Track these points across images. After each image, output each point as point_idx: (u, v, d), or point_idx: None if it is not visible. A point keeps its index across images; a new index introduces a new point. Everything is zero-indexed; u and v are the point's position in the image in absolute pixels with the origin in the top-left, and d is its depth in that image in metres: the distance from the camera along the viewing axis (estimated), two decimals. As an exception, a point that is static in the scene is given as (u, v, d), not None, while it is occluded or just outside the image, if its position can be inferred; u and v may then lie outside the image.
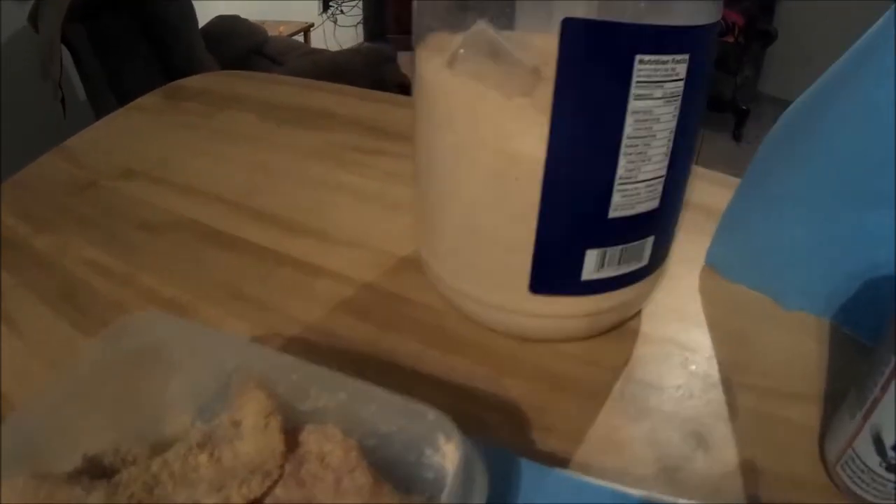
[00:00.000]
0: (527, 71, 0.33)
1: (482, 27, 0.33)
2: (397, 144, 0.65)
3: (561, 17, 0.30)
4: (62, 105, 1.56)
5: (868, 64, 0.39)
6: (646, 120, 0.33)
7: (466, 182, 0.37)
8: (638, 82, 0.31)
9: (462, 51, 0.34)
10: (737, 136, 3.08)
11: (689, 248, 0.51)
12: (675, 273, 0.48)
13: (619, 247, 0.37)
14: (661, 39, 0.31)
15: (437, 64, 0.36)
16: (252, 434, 0.28)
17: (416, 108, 0.39)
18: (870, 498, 0.33)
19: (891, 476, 0.31)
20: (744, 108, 3.00)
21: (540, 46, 0.32)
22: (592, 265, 0.37)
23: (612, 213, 0.35)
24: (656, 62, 0.31)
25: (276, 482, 0.28)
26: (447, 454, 0.26)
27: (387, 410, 0.27)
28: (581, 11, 0.30)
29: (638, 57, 0.31)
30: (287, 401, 0.29)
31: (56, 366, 0.42)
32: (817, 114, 0.42)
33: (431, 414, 0.26)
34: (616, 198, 0.35)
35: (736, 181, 0.49)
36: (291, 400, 0.29)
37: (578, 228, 0.36)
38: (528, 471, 0.34)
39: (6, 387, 0.40)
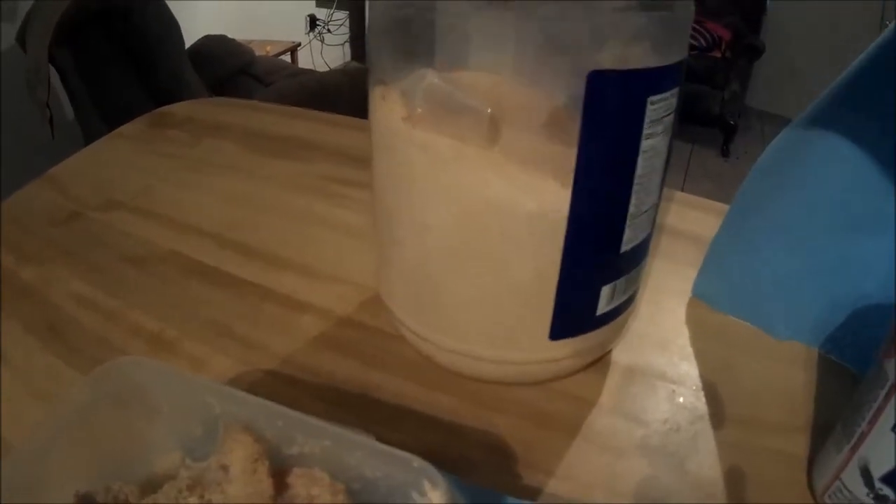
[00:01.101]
0: (486, 120, 0.33)
1: (428, 78, 0.33)
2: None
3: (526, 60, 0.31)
4: (50, 125, 1.55)
5: (857, 96, 0.40)
6: (652, 156, 0.34)
7: (447, 238, 0.37)
8: (649, 122, 0.33)
9: (419, 110, 0.34)
10: (724, 152, 3.11)
11: (676, 279, 0.51)
12: (662, 305, 0.49)
13: (625, 277, 0.38)
14: (663, 78, 0.33)
15: (397, 118, 0.36)
16: (240, 477, 0.29)
17: (377, 162, 0.40)
18: None
19: None
20: (731, 122, 3.02)
21: (489, 89, 0.33)
22: (605, 300, 0.38)
23: (624, 248, 0.36)
24: (661, 100, 0.33)
25: (264, 525, 0.28)
26: (433, 499, 0.26)
27: (372, 457, 0.27)
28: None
29: (649, 98, 0.32)
30: (274, 445, 0.29)
31: (44, 399, 0.42)
32: (805, 144, 0.43)
33: (416, 462, 0.26)
34: (627, 233, 0.36)
35: (716, 205, 0.50)
36: (278, 444, 0.29)
37: (598, 269, 0.37)
38: None
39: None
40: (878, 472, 0.31)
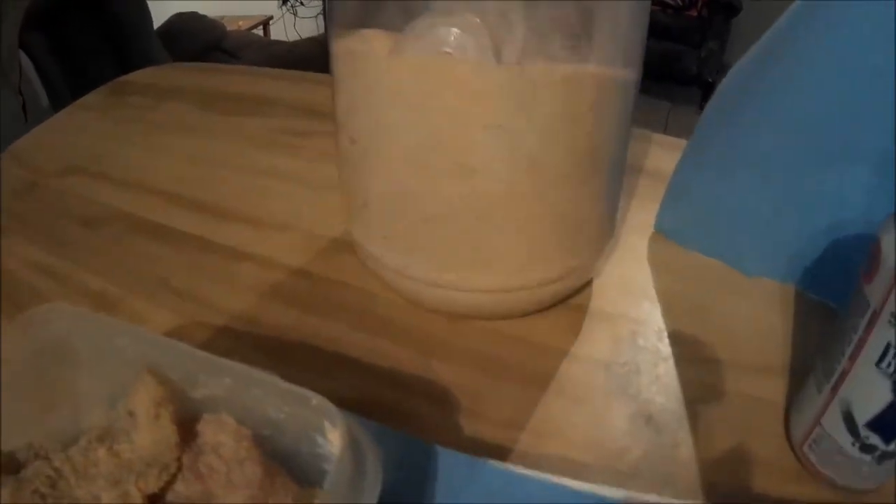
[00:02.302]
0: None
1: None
2: (328, 124, 0.65)
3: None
4: (23, 111, 1.54)
5: (819, 14, 0.37)
6: None
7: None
8: None
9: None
10: (703, 109, 3.09)
11: (641, 215, 0.49)
12: (624, 242, 0.47)
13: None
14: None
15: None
16: (146, 425, 0.28)
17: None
18: (841, 481, 0.30)
19: (865, 457, 0.28)
20: (709, 80, 2.98)
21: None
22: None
23: None
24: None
25: (174, 476, 0.27)
26: (333, 441, 0.25)
27: (271, 395, 0.26)
28: None
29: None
30: (180, 388, 0.28)
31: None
32: (766, 73, 0.40)
33: (315, 399, 0.25)
34: None
35: (682, 142, 0.47)
36: (184, 387, 0.28)
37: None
38: (454, 462, 0.32)
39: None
40: (862, 416, 0.27)
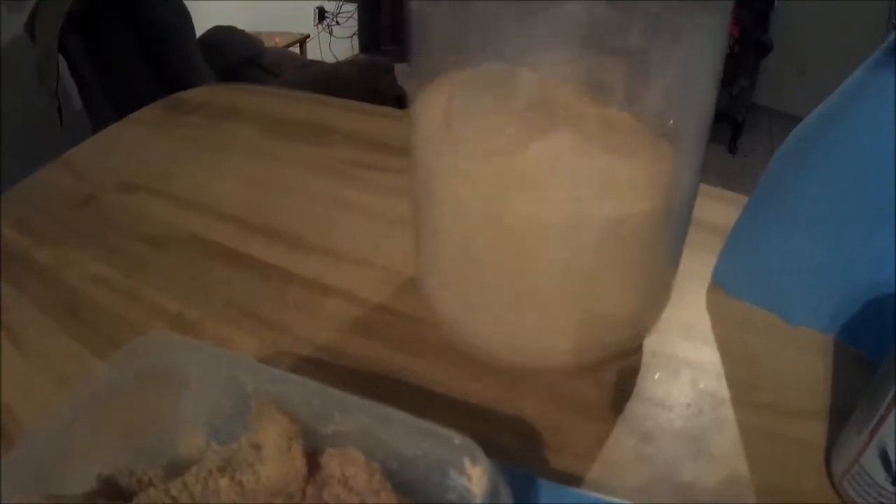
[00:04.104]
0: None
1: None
2: (397, 159, 0.66)
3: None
4: (59, 114, 1.55)
5: (875, 82, 0.40)
6: None
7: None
8: None
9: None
10: (732, 149, 3.10)
11: (696, 265, 0.50)
12: (682, 291, 0.48)
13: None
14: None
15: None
16: (274, 457, 0.28)
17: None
18: None
19: None
20: (739, 119, 3.01)
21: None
22: None
23: None
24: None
25: (297, 506, 0.28)
26: (473, 477, 0.26)
27: (411, 434, 0.27)
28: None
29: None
30: (308, 424, 0.29)
31: (62, 381, 0.41)
32: (827, 131, 0.43)
33: (457, 438, 0.26)
34: None
35: (736, 196, 0.49)
36: (313, 424, 0.29)
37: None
38: (546, 490, 0.34)
39: (12, 401, 0.40)
40: (895, 455, 0.31)
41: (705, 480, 0.36)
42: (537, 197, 0.33)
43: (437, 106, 0.36)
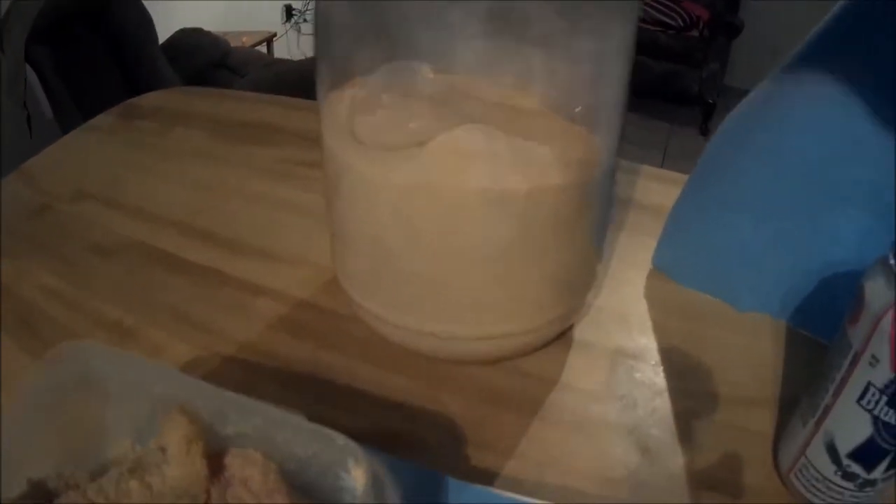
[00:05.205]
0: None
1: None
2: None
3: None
4: (28, 125, 1.55)
5: (823, 60, 0.39)
6: None
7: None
8: None
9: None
10: (703, 131, 3.09)
11: (636, 250, 0.51)
12: (621, 277, 0.48)
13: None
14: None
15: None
16: (177, 459, 0.30)
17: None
18: None
19: (847, 484, 0.30)
20: (710, 101, 3.00)
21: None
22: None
23: None
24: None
25: (202, 506, 0.29)
26: (357, 478, 0.27)
27: (301, 436, 0.28)
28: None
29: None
30: (210, 425, 0.30)
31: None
32: (771, 110, 0.42)
33: (340, 440, 0.27)
34: None
35: (677, 175, 0.49)
36: (214, 425, 0.30)
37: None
38: (455, 490, 0.34)
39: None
40: (844, 447, 0.30)
41: (639, 474, 0.35)
42: (447, 185, 0.34)
43: (343, 104, 0.37)
